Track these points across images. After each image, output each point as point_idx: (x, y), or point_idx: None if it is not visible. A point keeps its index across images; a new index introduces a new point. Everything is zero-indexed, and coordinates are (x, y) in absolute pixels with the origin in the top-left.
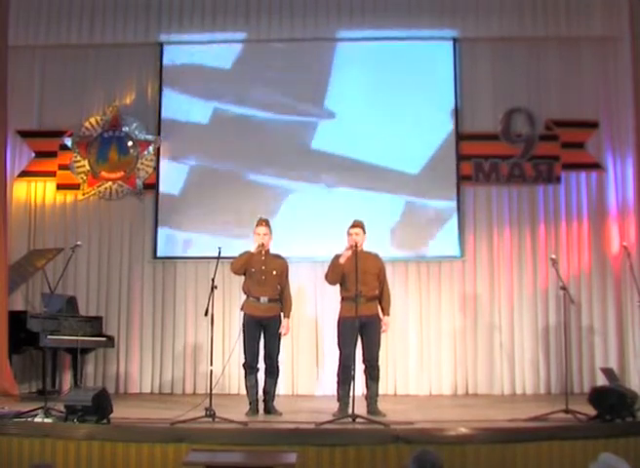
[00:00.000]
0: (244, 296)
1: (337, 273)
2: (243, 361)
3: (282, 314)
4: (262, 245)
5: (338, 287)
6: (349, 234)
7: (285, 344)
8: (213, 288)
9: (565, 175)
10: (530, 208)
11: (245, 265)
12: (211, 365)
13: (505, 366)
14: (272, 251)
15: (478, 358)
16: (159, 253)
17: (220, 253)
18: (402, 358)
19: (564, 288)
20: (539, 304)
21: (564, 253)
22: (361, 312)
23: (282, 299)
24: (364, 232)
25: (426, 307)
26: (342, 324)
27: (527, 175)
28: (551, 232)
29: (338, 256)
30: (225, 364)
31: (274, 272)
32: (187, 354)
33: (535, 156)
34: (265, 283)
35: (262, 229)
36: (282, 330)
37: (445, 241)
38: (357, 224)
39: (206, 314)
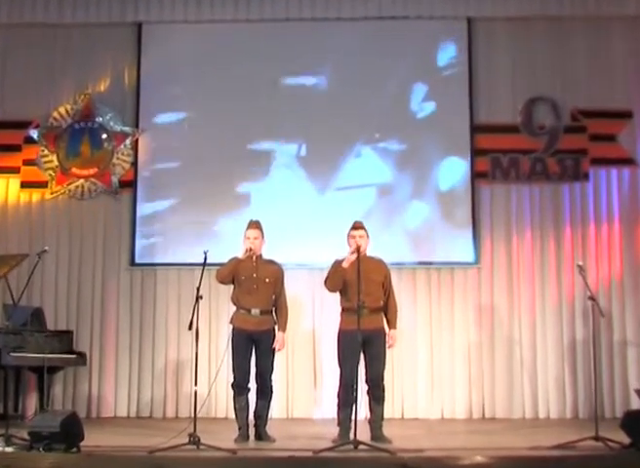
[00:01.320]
0: (233, 308)
1: (338, 278)
2: (232, 380)
3: (276, 327)
4: (251, 249)
5: (338, 297)
6: (351, 237)
7: (279, 362)
8: (198, 298)
9: (594, 171)
10: (554, 208)
11: (232, 273)
12: (195, 385)
13: (527, 386)
14: (265, 256)
15: (496, 377)
16: (137, 260)
17: (205, 258)
18: (410, 377)
19: (592, 298)
20: (564, 317)
21: (592, 259)
22: (364, 325)
23: (276, 311)
24: (367, 235)
25: (437, 320)
26: (343, 338)
27: (551, 171)
28: (578, 236)
29: (339, 262)
30: (212, 384)
31: (267, 280)
32: (169, 373)
33: (559, 150)
34: (257, 292)
35: (253, 232)
36: (276, 345)
37: (458, 245)
38: (359, 226)
39: (190, 328)
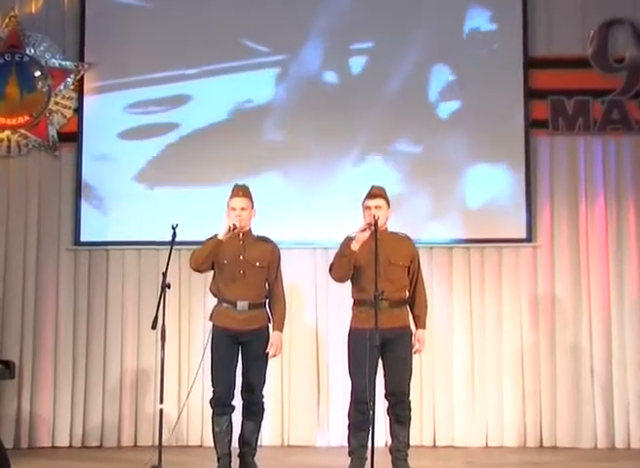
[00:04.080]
0: (212, 300)
1: (346, 264)
2: (210, 395)
3: (270, 326)
4: (235, 227)
5: (349, 285)
6: (366, 207)
7: (272, 371)
8: (164, 287)
9: None
10: (635, 167)
11: (212, 257)
12: (161, 402)
13: (599, 406)
14: (255, 232)
15: (558, 393)
16: (83, 237)
17: (174, 235)
18: (444, 391)
19: None
20: None
21: None
22: (383, 323)
23: (270, 304)
24: (388, 205)
25: (480, 316)
26: (356, 340)
27: (631, 119)
28: None
29: (351, 239)
30: (184, 402)
31: (258, 263)
32: (126, 387)
33: None
34: (245, 280)
35: (240, 201)
36: (270, 349)
37: (507, 217)
38: (377, 193)
39: (154, 327)
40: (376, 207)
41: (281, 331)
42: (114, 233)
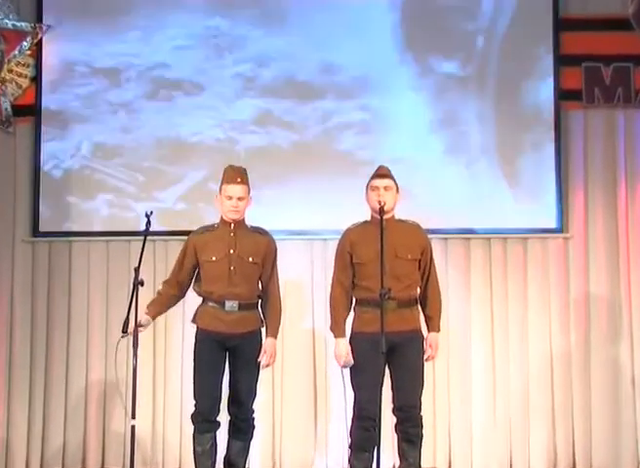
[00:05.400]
0: (194, 300)
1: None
2: (192, 410)
3: (262, 330)
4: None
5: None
6: (373, 188)
7: (264, 381)
8: (137, 285)
9: None
10: None
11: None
12: (133, 418)
13: None
14: (248, 221)
15: (593, 408)
16: (43, 227)
17: (149, 223)
18: (461, 405)
19: None
20: None
21: None
22: (390, 325)
23: (264, 305)
24: (396, 187)
25: (501, 317)
26: (359, 345)
27: None
28: None
29: (351, 230)
30: (159, 417)
31: (251, 258)
32: (91, 401)
33: None
34: (236, 277)
35: (238, 190)
36: (263, 358)
37: (534, 204)
38: (384, 173)
39: (124, 330)
40: (385, 187)
41: (275, 337)
42: (78, 222)
